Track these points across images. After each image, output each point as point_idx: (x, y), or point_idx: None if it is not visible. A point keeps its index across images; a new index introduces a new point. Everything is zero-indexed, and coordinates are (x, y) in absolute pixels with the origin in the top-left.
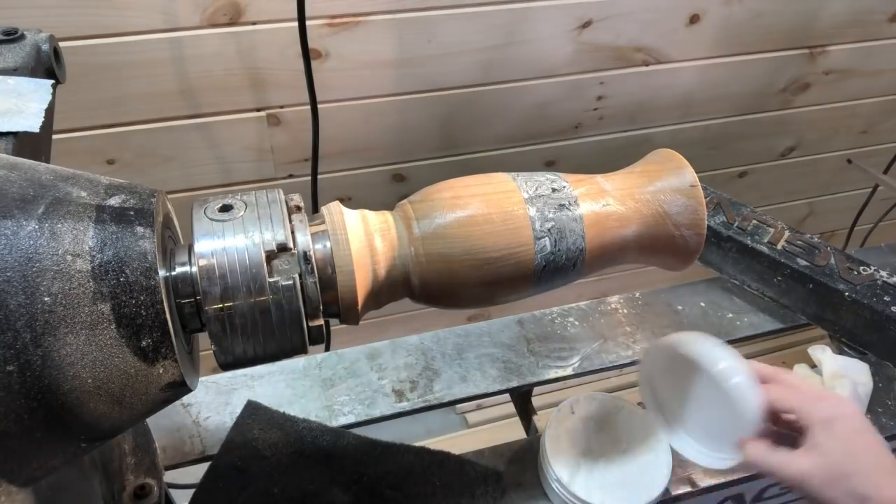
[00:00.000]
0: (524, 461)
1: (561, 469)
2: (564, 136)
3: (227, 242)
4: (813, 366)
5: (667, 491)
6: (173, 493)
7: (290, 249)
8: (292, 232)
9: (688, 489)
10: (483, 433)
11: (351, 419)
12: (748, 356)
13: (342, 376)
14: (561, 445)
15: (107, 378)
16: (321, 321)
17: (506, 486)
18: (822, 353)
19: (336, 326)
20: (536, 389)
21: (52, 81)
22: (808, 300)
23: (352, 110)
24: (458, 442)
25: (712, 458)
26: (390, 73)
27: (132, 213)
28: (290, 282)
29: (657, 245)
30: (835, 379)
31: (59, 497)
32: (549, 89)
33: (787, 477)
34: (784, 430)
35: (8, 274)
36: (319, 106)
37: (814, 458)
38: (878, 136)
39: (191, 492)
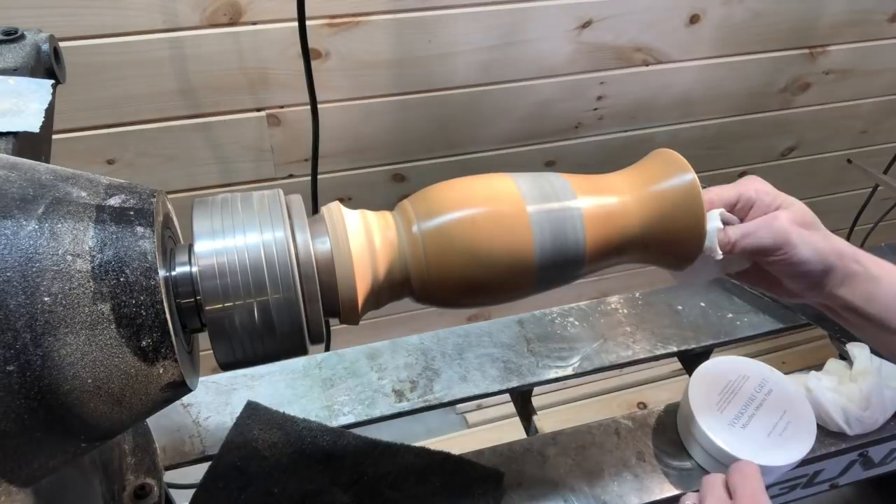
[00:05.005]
0: (524, 461)
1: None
2: (564, 136)
3: (227, 242)
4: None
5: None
6: (173, 493)
7: (290, 249)
8: (292, 232)
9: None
10: (483, 433)
11: (351, 419)
12: (748, 356)
13: (342, 376)
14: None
15: (107, 378)
16: (321, 321)
17: (506, 486)
18: (860, 351)
19: (336, 326)
20: (536, 389)
21: (52, 81)
22: None
23: (352, 110)
24: (458, 442)
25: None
26: (390, 73)
27: (132, 213)
28: (290, 281)
29: (657, 245)
30: (863, 375)
31: (59, 497)
32: (549, 89)
33: (772, 232)
34: None
35: (8, 274)
36: (319, 106)
37: (788, 211)
38: (878, 136)
39: (191, 492)
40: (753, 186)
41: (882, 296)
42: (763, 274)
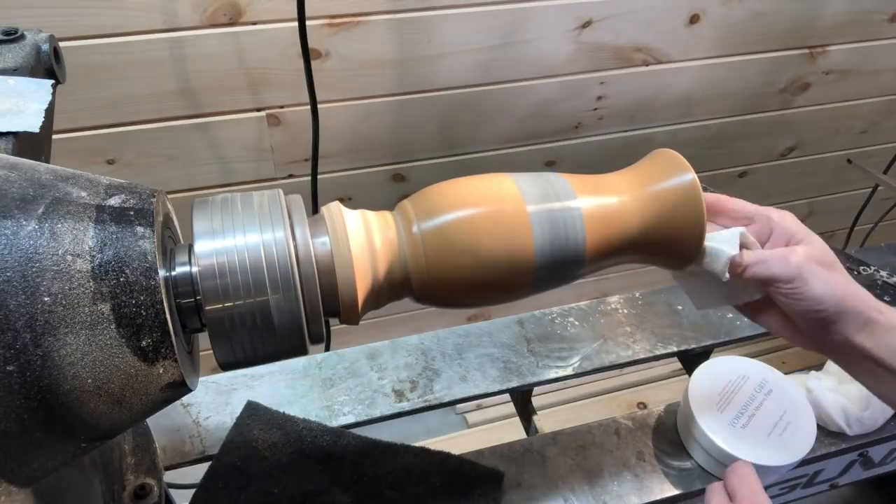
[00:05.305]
0: (524, 461)
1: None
2: (564, 136)
3: (226, 242)
4: None
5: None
6: (173, 493)
7: (290, 249)
8: (292, 232)
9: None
10: (483, 433)
11: (351, 419)
12: (748, 356)
13: (342, 376)
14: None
15: (107, 378)
16: (321, 321)
17: (506, 486)
18: None
19: (336, 326)
20: (536, 389)
21: (52, 81)
22: None
23: (352, 110)
24: (458, 442)
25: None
26: (390, 72)
27: (132, 213)
28: (290, 282)
29: (657, 245)
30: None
31: (59, 497)
32: (549, 89)
33: (786, 264)
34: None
35: (8, 274)
36: (319, 106)
37: (807, 247)
38: (878, 136)
39: (191, 492)
40: (779, 214)
41: None
42: (774, 312)
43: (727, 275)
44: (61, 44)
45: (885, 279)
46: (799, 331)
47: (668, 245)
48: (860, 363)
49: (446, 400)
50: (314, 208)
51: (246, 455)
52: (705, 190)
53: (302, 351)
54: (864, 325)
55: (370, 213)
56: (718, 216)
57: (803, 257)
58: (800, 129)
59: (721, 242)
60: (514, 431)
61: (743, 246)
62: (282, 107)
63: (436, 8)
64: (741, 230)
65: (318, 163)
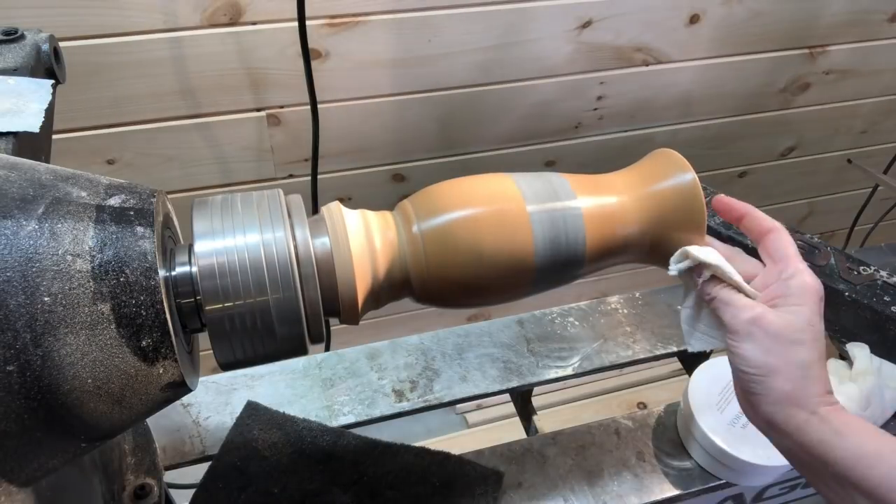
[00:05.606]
0: (524, 461)
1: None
2: (564, 136)
3: (226, 242)
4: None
5: None
6: (173, 493)
7: (290, 249)
8: (292, 232)
9: None
10: (483, 433)
11: (351, 419)
12: None
13: (342, 376)
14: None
15: (107, 378)
16: (321, 321)
17: (506, 486)
18: (860, 350)
19: (336, 326)
20: (536, 389)
21: (52, 81)
22: None
23: (352, 110)
24: (458, 442)
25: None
26: (390, 73)
27: (132, 213)
28: (290, 282)
29: (657, 245)
30: (863, 375)
31: (59, 497)
32: (549, 89)
33: (736, 317)
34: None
35: (8, 274)
36: (319, 106)
37: (777, 314)
38: (878, 136)
39: (191, 492)
40: (792, 272)
41: (847, 450)
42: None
43: (674, 269)
44: (61, 44)
45: (885, 279)
46: (739, 395)
47: (668, 245)
48: (787, 446)
49: (446, 400)
50: (314, 208)
51: (246, 455)
52: (705, 191)
53: (302, 351)
54: (791, 416)
55: (370, 213)
56: (759, 243)
57: (755, 318)
58: (800, 129)
59: (698, 248)
60: (514, 431)
61: (725, 281)
62: (282, 107)
63: (436, 8)
64: (724, 264)
65: (318, 163)
